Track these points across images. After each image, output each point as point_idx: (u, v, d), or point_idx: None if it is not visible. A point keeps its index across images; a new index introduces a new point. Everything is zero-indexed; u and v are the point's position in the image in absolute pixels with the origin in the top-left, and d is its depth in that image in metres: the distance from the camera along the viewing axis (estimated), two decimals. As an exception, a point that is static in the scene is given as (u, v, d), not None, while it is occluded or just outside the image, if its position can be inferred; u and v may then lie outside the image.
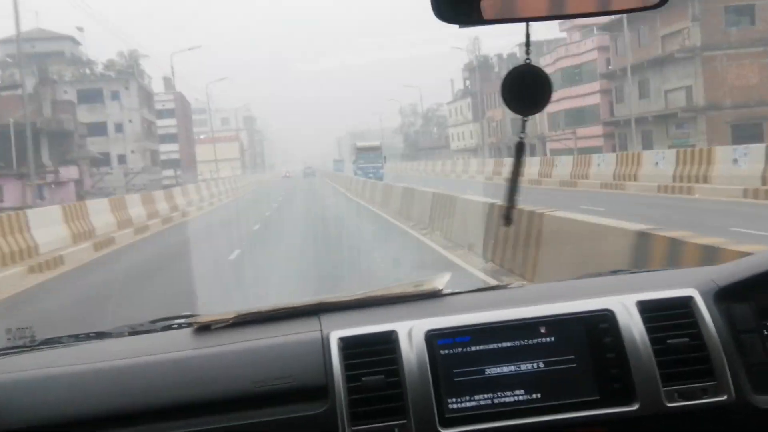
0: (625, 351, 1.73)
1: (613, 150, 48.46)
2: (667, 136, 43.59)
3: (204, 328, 1.91)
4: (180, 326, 2.05)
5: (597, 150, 49.22)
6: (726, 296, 1.85)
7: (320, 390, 1.70)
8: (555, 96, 61.45)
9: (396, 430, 1.66)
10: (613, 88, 51.40)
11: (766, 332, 1.82)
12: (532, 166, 39.96)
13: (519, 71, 1.59)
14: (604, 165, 29.78)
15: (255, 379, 1.71)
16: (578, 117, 55.91)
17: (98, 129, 63.99)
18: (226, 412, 1.69)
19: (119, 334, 2.07)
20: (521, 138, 1.65)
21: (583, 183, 30.66)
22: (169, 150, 76.97)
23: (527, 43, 1.59)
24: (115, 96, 66.38)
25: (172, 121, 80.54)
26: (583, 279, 2.28)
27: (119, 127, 66.14)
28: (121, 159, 65.33)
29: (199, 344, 1.84)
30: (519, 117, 1.62)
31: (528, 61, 1.59)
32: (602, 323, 1.77)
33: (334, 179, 63.85)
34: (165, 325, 2.10)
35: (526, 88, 1.59)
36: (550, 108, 63.22)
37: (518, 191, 1.68)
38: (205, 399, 1.69)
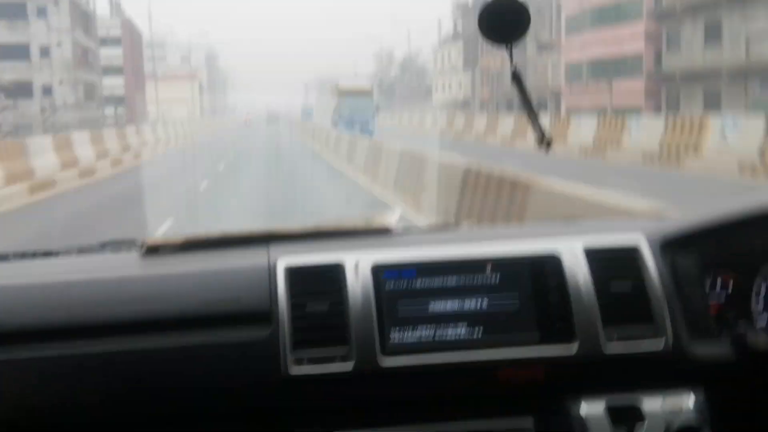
0: (568, 293, 1.76)
1: (657, 111, 38.28)
2: (747, 96, 33.38)
3: (152, 251, 1.89)
4: (129, 248, 2.02)
5: (634, 110, 38.93)
6: (673, 246, 1.87)
7: (264, 315, 1.71)
8: (578, 41, 50.65)
9: (338, 357, 1.68)
10: (664, 31, 40.75)
11: (710, 282, 1.87)
12: (580, 128, 29.28)
13: (494, 4, 1.66)
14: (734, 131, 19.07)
15: (199, 301, 1.72)
16: (609, 68, 45.19)
17: (18, 52, 53.53)
18: (168, 332, 1.68)
19: (66, 254, 2.04)
20: (515, 68, 1.73)
21: (688, 165, 20.18)
22: (113, 85, 66.03)
23: None
24: (42, 12, 55.28)
25: (117, 51, 69.47)
26: (534, 223, 2.38)
27: (46, 52, 55.01)
28: (47, 90, 54.50)
29: (146, 265, 1.86)
30: None
31: None
32: (548, 265, 1.78)
33: (306, 135, 52.14)
34: (114, 246, 2.07)
35: (503, 18, 1.65)
36: (569, 57, 52.84)
37: (538, 116, 1.79)
38: (148, 319, 1.70)
